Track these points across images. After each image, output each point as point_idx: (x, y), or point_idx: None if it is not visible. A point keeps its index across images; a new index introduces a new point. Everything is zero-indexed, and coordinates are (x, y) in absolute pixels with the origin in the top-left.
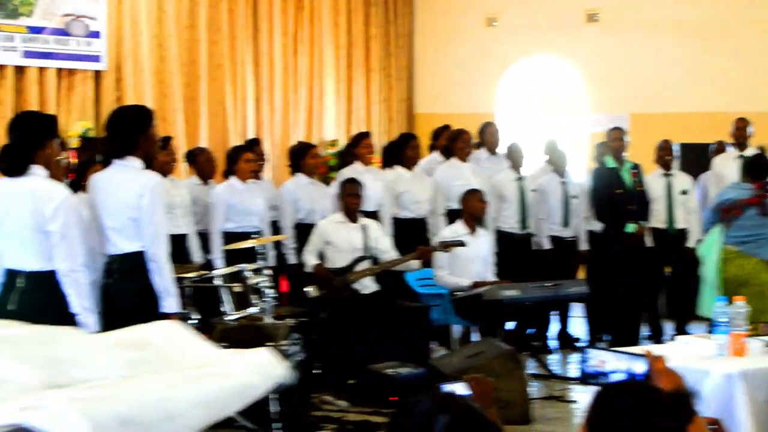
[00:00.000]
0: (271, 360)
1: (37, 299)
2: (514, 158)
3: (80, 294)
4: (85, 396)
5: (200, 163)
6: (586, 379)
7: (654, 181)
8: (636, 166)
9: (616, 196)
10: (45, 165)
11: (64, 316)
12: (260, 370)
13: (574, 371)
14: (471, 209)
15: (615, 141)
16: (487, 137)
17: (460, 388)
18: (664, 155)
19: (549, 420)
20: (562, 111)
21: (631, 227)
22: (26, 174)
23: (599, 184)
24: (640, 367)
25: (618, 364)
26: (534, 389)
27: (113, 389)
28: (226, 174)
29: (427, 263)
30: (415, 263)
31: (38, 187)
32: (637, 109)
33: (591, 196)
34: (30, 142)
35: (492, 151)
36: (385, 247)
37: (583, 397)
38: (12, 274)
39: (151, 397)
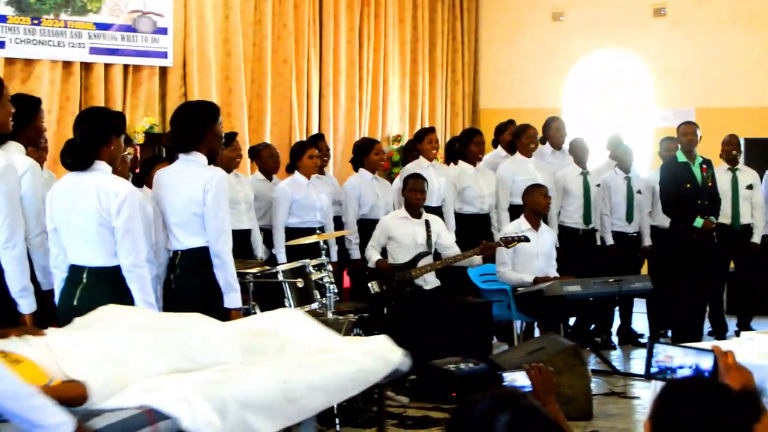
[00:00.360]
0: (388, 346)
1: (101, 295)
2: (578, 153)
3: (143, 289)
4: (207, 380)
5: (263, 158)
6: (652, 374)
7: (719, 176)
8: (707, 162)
9: (685, 190)
10: (109, 161)
11: None
12: (378, 356)
13: (636, 367)
14: (533, 205)
15: (687, 135)
16: (552, 132)
17: (520, 377)
18: (730, 150)
19: (610, 416)
20: (627, 106)
21: (699, 222)
22: (91, 169)
23: (668, 178)
24: (707, 363)
25: (685, 359)
26: (595, 385)
27: (234, 374)
28: (290, 169)
29: (490, 259)
30: (477, 259)
31: (103, 183)
32: (702, 104)
33: (660, 189)
34: (95, 138)
35: (557, 146)
36: (448, 243)
37: (645, 393)
38: (76, 270)
39: (271, 381)
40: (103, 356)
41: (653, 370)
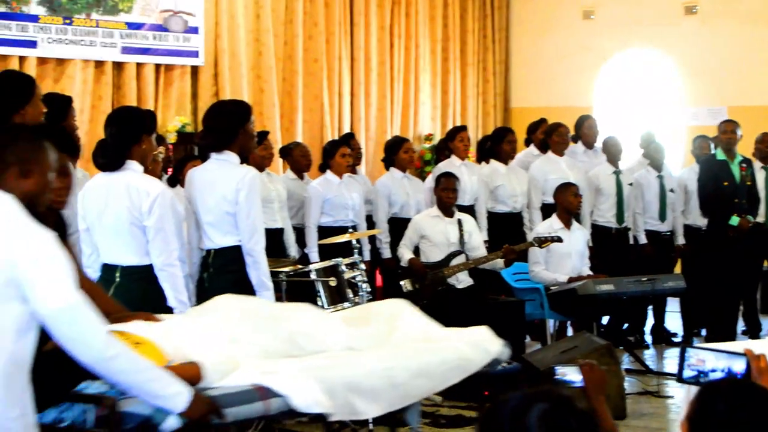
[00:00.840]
0: (489, 336)
1: (134, 293)
2: (610, 152)
3: (176, 288)
4: (316, 364)
5: (295, 157)
6: (684, 379)
7: None
8: (747, 161)
9: (723, 188)
10: (141, 160)
11: (159, 311)
12: (478, 346)
13: (669, 366)
14: (564, 203)
15: (727, 134)
16: (584, 131)
17: (572, 373)
18: (763, 148)
19: (644, 415)
20: (659, 104)
21: (735, 220)
22: (122, 169)
23: (706, 176)
24: (740, 366)
25: (717, 363)
26: (629, 384)
27: (341, 359)
28: (322, 168)
29: (516, 260)
30: (500, 263)
31: (134, 183)
32: (735, 102)
33: (698, 187)
34: (126, 138)
35: (589, 145)
36: (476, 244)
37: (678, 392)
38: (109, 269)
39: (377, 367)
40: (217, 339)
41: (686, 374)
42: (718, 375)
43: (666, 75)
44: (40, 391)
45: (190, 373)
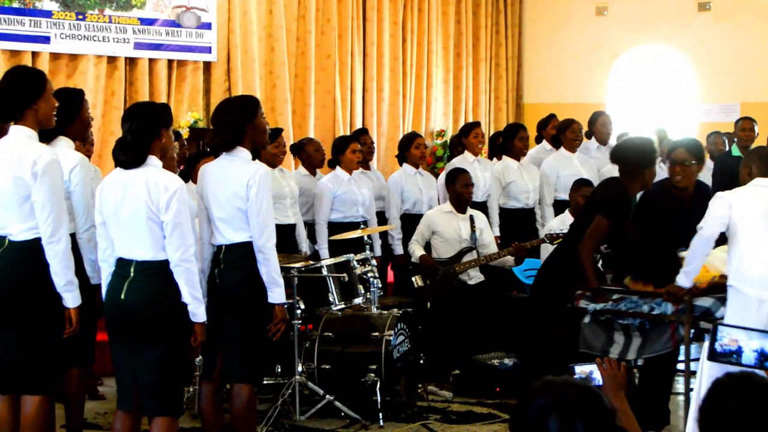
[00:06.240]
0: None
1: (148, 289)
2: None
3: (191, 284)
4: None
5: (309, 152)
6: (716, 356)
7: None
8: None
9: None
10: (161, 154)
11: (173, 306)
12: None
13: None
14: (574, 203)
15: (745, 131)
16: (597, 127)
17: (592, 370)
18: None
19: None
20: (672, 101)
21: None
22: (143, 165)
23: (722, 172)
24: None
25: (750, 342)
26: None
27: None
28: (332, 164)
29: (528, 256)
30: (510, 260)
31: (153, 177)
32: (748, 99)
33: (712, 183)
34: (146, 133)
35: (602, 142)
36: (487, 241)
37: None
38: (124, 264)
39: None
40: None
41: (718, 352)
42: (751, 355)
43: (678, 72)
44: None
45: None
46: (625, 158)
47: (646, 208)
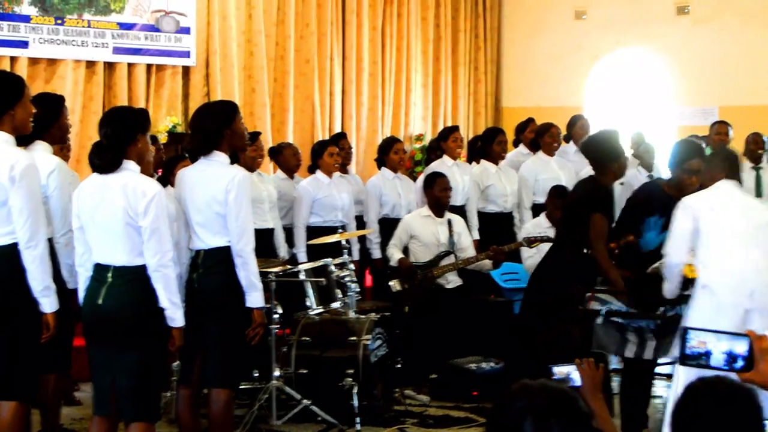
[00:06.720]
0: None
1: (125, 294)
2: None
3: (168, 289)
4: None
5: (286, 156)
6: (685, 360)
7: (743, 175)
8: None
9: None
10: (137, 159)
11: (151, 311)
12: None
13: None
14: (551, 210)
15: (720, 135)
16: (576, 131)
17: (570, 371)
18: (754, 149)
19: None
20: (650, 104)
21: None
22: (119, 170)
23: None
24: (741, 348)
25: (719, 344)
26: (617, 384)
27: None
28: (311, 169)
29: (506, 260)
30: (488, 264)
31: (130, 182)
32: (726, 102)
33: None
34: (122, 138)
35: None
36: (465, 245)
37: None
38: (101, 269)
39: None
40: None
41: (687, 356)
42: (720, 357)
43: (657, 75)
44: None
45: None
46: (595, 151)
47: (645, 207)
